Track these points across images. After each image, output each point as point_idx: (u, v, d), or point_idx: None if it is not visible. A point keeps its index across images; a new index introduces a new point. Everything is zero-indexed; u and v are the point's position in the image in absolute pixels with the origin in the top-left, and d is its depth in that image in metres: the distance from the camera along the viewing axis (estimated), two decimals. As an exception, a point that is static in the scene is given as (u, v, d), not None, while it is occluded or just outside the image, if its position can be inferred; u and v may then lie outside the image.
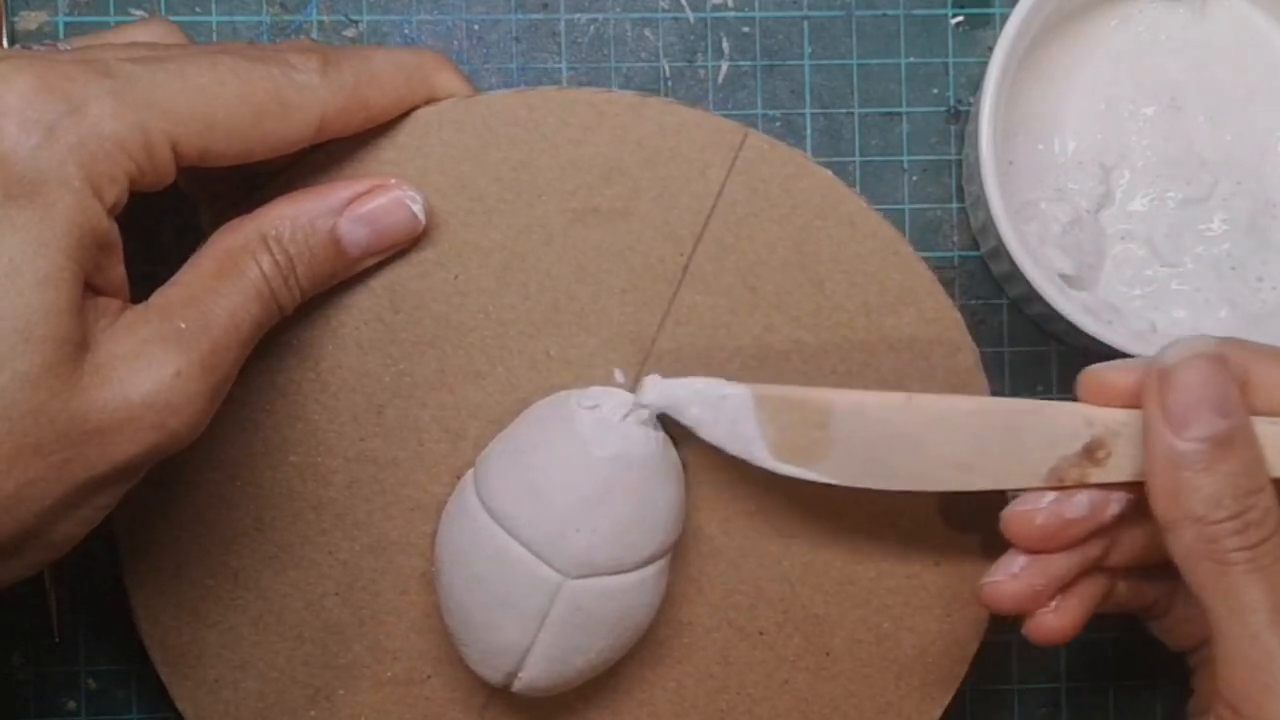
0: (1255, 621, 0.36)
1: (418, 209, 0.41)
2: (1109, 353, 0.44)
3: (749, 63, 0.48)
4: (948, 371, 0.44)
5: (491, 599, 0.41)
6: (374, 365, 0.43)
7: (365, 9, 0.47)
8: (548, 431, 0.41)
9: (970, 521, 0.44)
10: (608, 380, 0.43)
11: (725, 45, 0.48)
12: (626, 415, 0.41)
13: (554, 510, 0.40)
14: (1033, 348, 0.48)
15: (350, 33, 0.47)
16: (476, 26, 0.47)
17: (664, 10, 0.47)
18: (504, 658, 0.41)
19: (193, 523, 0.43)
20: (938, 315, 0.44)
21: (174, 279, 0.38)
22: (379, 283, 0.42)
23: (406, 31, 0.47)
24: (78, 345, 0.34)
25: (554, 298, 0.43)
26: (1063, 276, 0.45)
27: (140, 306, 0.36)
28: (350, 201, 0.40)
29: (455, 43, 0.47)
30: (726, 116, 0.47)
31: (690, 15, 0.48)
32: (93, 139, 0.34)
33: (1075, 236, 0.45)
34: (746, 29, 0.48)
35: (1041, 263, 0.43)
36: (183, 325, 0.36)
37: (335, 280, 0.41)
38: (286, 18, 0.47)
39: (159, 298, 0.37)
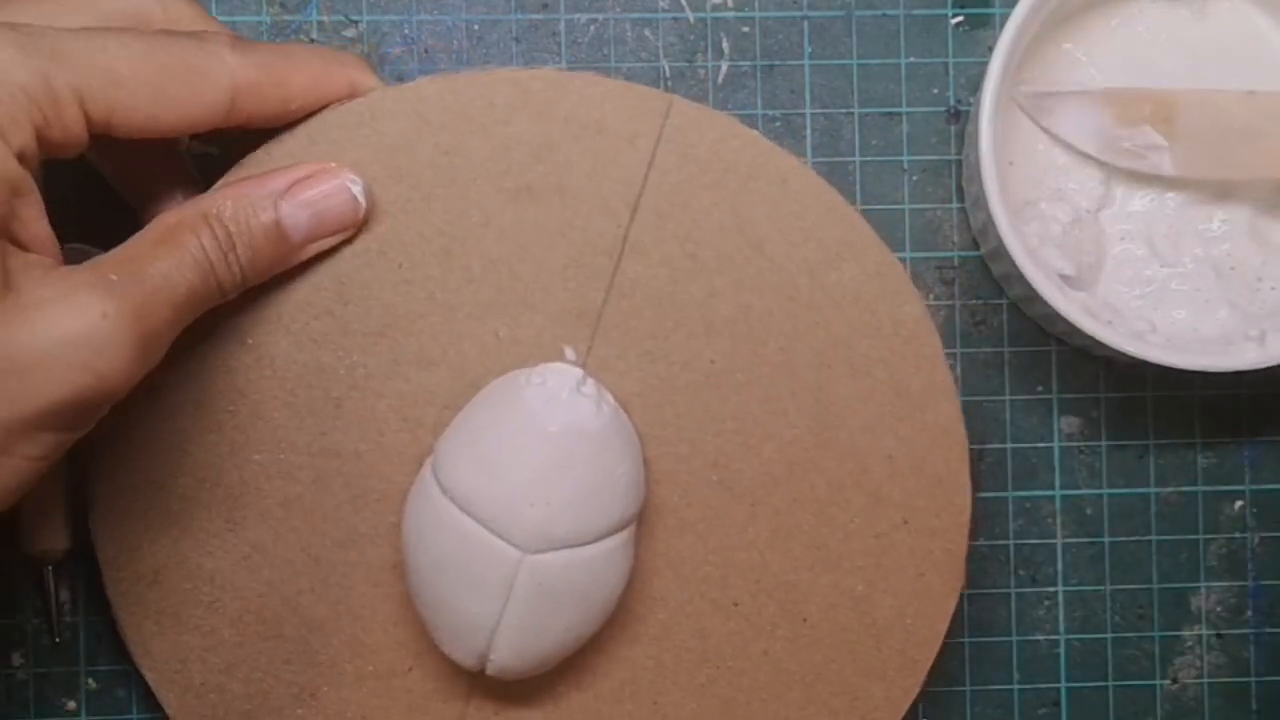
0: None
1: (358, 192, 0.42)
2: (1109, 353, 0.44)
3: (749, 63, 0.48)
4: (895, 323, 0.44)
5: (456, 579, 0.41)
6: (328, 359, 0.43)
7: (365, 9, 0.47)
8: (499, 411, 0.42)
9: (939, 480, 0.44)
10: (558, 358, 0.43)
11: (725, 45, 0.48)
12: (575, 389, 0.41)
13: (508, 486, 0.41)
14: (1033, 348, 0.48)
15: (350, 33, 0.47)
16: (476, 26, 0.47)
17: (664, 10, 0.47)
18: (473, 638, 0.42)
19: (167, 527, 0.43)
20: (880, 268, 0.44)
21: (116, 250, 0.38)
22: (325, 276, 0.43)
23: (406, 32, 0.47)
24: None
25: (497, 279, 0.43)
26: (1063, 276, 0.45)
27: (71, 266, 0.36)
28: (291, 185, 0.41)
29: (455, 43, 0.47)
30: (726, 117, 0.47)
31: (690, 15, 0.48)
32: (2, 87, 0.34)
33: (1075, 236, 0.45)
34: (746, 29, 0.48)
35: (1041, 263, 0.43)
36: (114, 277, 0.36)
37: (279, 267, 0.41)
38: (286, 18, 0.47)
39: (92, 261, 0.37)
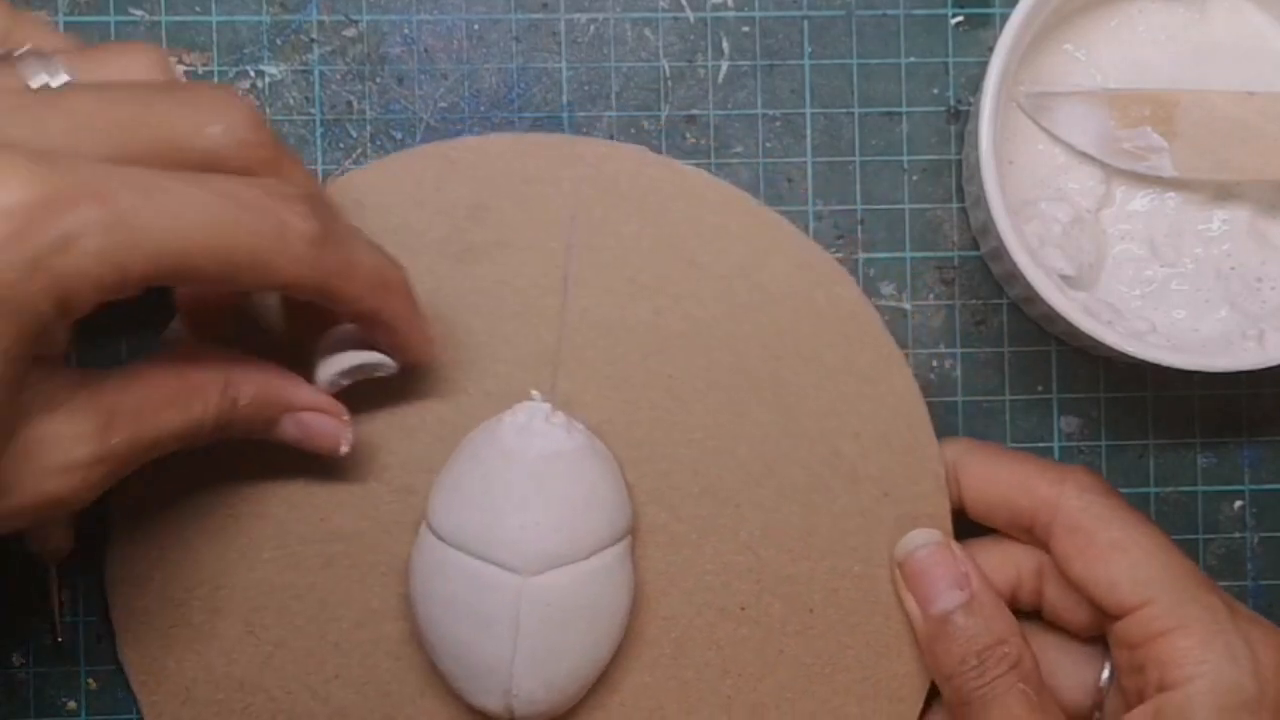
0: None
1: (345, 446, 0.42)
2: (1109, 353, 0.44)
3: (749, 62, 0.48)
4: (833, 306, 0.45)
5: (465, 619, 0.42)
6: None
7: (365, 9, 0.47)
8: (479, 453, 0.43)
9: (909, 447, 0.45)
10: (526, 400, 0.44)
11: (725, 45, 0.48)
12: (545, 419, 0.43)
13: (496, 515, 0.42)
14: (1033, 348, 0.48)
15: (350, 32, 0.47)
16: (476, 26, 0.47)
17: (664, 10, 0.47)
18: (494, 677, 0.42)
19: (192, 643, 0.45)
20: (808, 258, 0.45)
21: (128, 374, 0.37)
22: (302, 370, 0.43)
23: (406, 31, 0.47)
24: (5, 433, 0.34)
25: (456, 337, 0.44)
26: (1063, 276, 0.45)
27: (77, 384, 0.36)
28: (306, 409, 0.41)
29: (455, 43, 0.47)
30: (726, 116, 0.47)
31: (690, 15, 0.48)
32: (74, 276, 0.33)
33: (1075, 236, 0.45)
34: (746, 29, 0.48)
35: (1041, 263, 0.43)
36: (113, 434, 0.36)
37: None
38: (286, 17, 0.47)
39: (101, 388, 0.37)
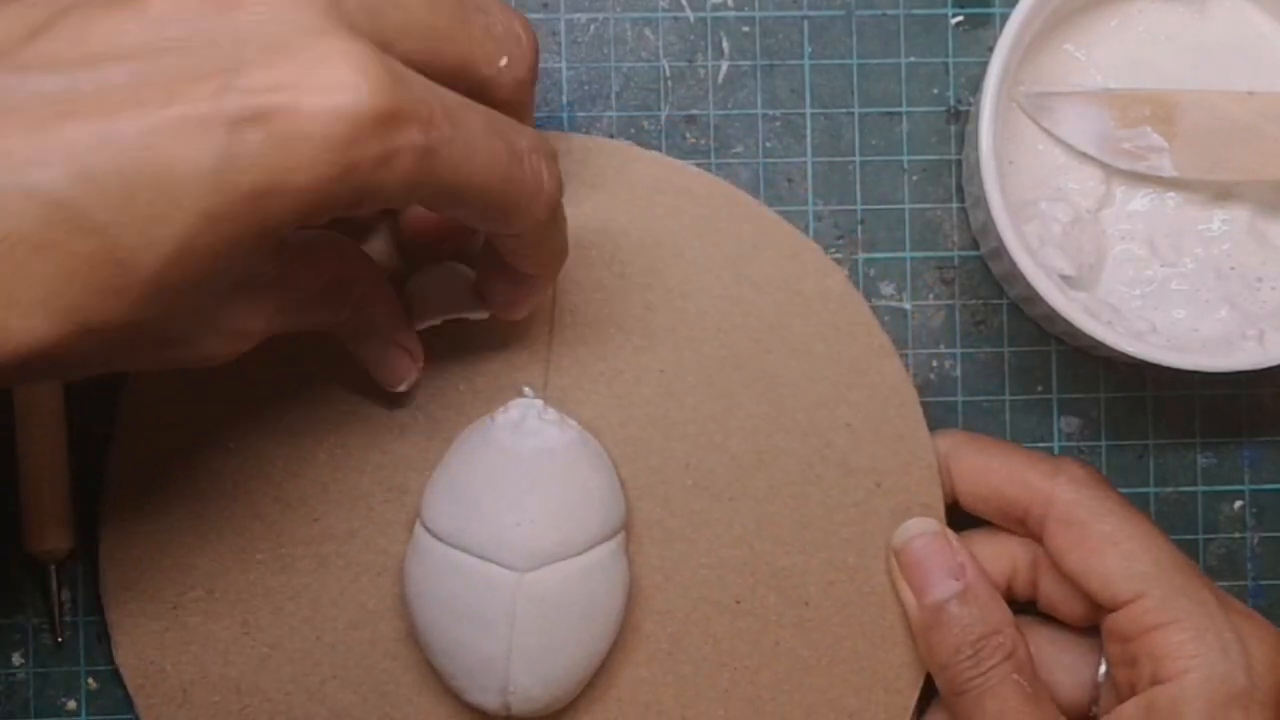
0: None
1: (405, 386, 0.43)
2: (1109, 353, 0.44)
3: (749, 62, 0.48)
4: (821, 298, 0.45)
5: (461, 617, 0.42)
6: (308, 445, 0.45)
7: (365, 9, 0.47)
8: (472, 450, 0.43)
9: (900, 437, 0.45)
10: (518, 397, 0.44)
11: (725, 45, 0.48)
12: (538, 416, 0.43)
13: (491, 512, 0.42)
14: (1033, 348, 0.48)
15: (350, 32, 0.47)
16: (476, 26, 0.47)
17: (664, 10, 0.47)
18: (490, 674, 0.42)
19: (188, 644, 0.45)
20: (795, 249, 0.45)
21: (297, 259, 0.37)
22: (290, 371, 0.44)
23: (406, 31, 0.47)
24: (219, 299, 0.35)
25: (449, 335, 0.44)
26: (1063, 276, 0.45)
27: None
28: (399, 344, 0.42)
29: (455, 42, 0.47)
30: (726, 116, 0.47)
31: (690, 15, 0.48)
32: (372, 189, 0.32)
33: (1075, 236, 0.45)
34: (746, 29, 0.48)
35: (1041, 263, 0.43)
36: (280, 318, 0.37)
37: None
38: (286, 17, 0.47)
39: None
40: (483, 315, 0.43)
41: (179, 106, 0.30)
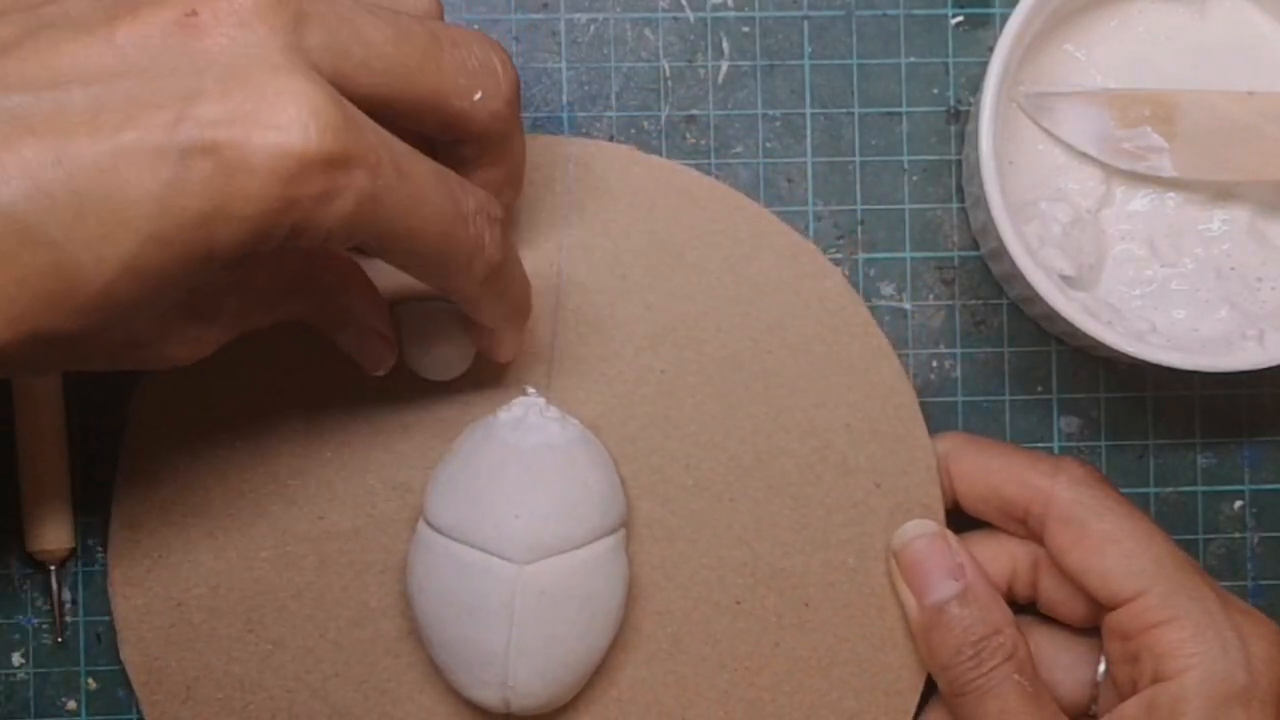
0: None
1: (384, 370, 0.43)
2: (1109, 353, 0.44)
3: (749, 63, 0.48)
4: (820, 298, 0.46)
5: (461, 610, 0.42)
6: (314, 443, 0.45)
7: (365, 9, 0.47)
8: (475, 446, 0.43)
9: (899, 438, 0.45)
10: (521, 395, 0.45)
11: (725, 45, 0.48)
12: (540, 413, 0.43)
13: (492, 505, 0.42)
14: (1033, 348, 0.48)
15: (350, 33, 0.47)
16: (476, 26, 0.47)
17: (664, 10, 0.47)
18: (490, 669, 0.42)
19: (192, 641, 0.45)
20: (794, 251, 0.46)
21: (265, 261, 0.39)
22: (298, 364, 0.44)
23: (406, 31, 0.47)
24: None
25: None
26: (1063, 277, 0.45)
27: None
28: (376, 330, 0.42)
29: (455, 43, 0.47)
30: (726, 116, 0.47)
31: (690, 15, 0.48)
32: (310, 225, 0.33)
33: (1075, 236, 0.45)
34: (746, 29, 0.48)
35: (1041, 263, 0.43)
36: (241, 321, 0.39)
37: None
38: (286, 17, 0.47)
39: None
40: (472, 351, 0.44)
41: (134, 132, 0.31)
